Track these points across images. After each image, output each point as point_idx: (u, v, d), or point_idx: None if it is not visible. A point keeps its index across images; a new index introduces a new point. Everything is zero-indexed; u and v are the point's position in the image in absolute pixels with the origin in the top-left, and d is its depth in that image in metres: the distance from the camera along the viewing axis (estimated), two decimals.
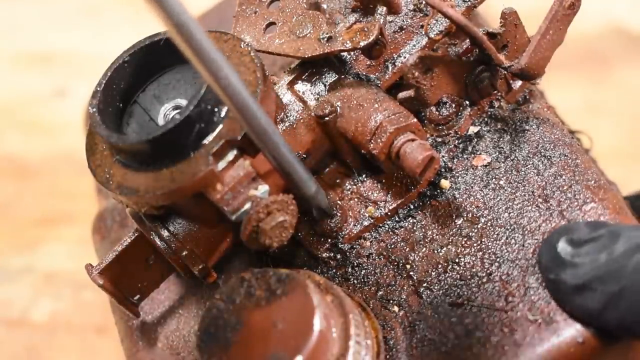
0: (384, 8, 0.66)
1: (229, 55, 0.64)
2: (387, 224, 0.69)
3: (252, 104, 0.54)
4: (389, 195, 0.68)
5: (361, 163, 0.69)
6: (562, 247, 0.60)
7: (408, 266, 0.66)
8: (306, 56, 0.67)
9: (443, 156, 0.69)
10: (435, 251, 0.66)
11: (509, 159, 0.68)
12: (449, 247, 0.66)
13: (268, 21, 0.70)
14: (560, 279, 0.59)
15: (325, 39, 0.66)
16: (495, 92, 0.70)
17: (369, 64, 0.70)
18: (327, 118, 0.66)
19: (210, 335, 0.56)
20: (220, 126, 0.59)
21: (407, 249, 0.67)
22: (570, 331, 0.60)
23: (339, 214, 0.68)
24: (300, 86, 0.69)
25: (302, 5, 0.69)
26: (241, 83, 0.53)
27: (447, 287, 0.64)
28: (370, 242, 0.68)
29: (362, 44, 0.65)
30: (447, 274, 0.65)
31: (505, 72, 0.68)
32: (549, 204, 0.65)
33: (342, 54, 0.69)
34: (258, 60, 0.63)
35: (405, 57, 0.70)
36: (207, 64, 0.50)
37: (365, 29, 0.65)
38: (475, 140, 0.70)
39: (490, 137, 0.70)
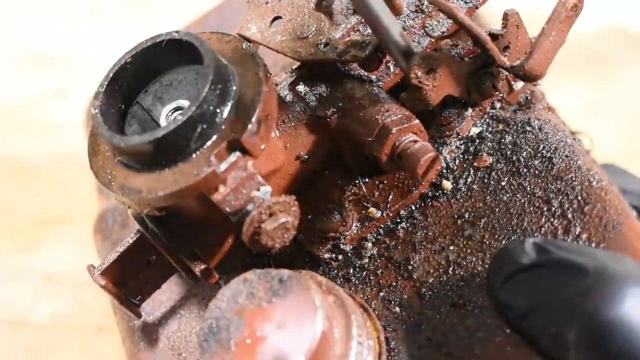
0: None
1: (230, 55, 0.64)
2: (389, 225, 0.69)
3: None
4: (390, 196, 0.68)
5: (363, 164, 0.69)
6: (511, 270, 0.59)
7: (409, 267, 0.66)
8: (301, 59, 0.67)
9: (445, 157, 0.69)
10: (437, 252, 0.66)
11: (510, 160, 0.68)
12: (451, 248, 0.66)
13: (276, 14, 0.70)
14: (509, 303, 0.59)
15: (322, 45, 0.66)
16: (497, 93, 0.70)
17: None
18: (328, 119, 0.66)
19: (212, 336, 0.56)
20: (223, 127, 0.59)
21: (409, 249, 0.67)
22: None
23: (339, 215, 0.68)
24: (302, 87, 0.69)
25: (310, 4, 0.69)
26: None
27: (448, 288, 0.64)
28: (372, 243, 0.68)
29: (354, 57, 0.64)
30: (449, 275, 0.65)
31: (507, 73, 0.68)
32: (550, 205, 0.65)
33: None
34: (260, 61, 0.63)
35: None
36: None
37: (363, 43, 0.64)
38: (477, 141, 0.70)
39: (491, 138, 0.70)
